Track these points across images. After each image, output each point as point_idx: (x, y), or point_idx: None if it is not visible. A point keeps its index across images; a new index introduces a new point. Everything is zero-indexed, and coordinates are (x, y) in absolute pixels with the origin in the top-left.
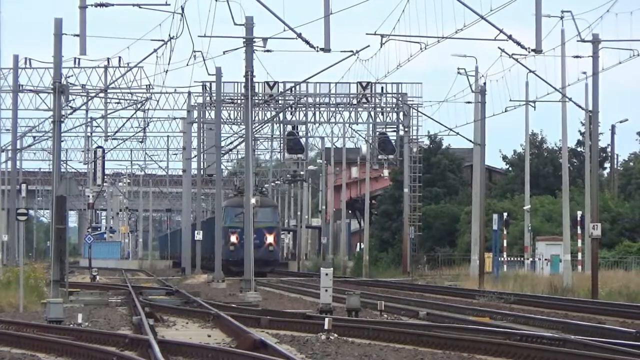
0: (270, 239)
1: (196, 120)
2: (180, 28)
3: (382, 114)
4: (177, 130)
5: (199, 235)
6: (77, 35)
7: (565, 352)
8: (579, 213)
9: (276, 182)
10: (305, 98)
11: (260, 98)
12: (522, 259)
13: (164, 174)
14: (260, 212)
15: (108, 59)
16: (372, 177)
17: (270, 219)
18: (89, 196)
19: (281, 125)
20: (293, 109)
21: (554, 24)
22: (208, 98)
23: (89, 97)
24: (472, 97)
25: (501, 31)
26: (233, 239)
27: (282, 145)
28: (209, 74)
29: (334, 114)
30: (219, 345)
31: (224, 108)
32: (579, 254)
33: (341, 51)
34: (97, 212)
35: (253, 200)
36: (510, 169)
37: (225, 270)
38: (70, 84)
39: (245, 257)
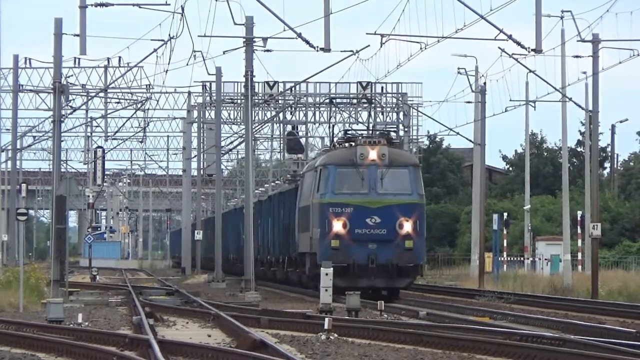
0: (407, 226)
1: (196, 120)
2: (180, 28)
3: (382, 114)
4: (177, 130)
5: (199, 235)
6: (77, 35)
7: (565, 352)
8: (579, 213)
9: (276, 182)
10: (305, 98)
11: (260, 98)
12: (522, 258)
13: (164, 174)
14: (388, 175)
15: (108, 59)
16: None
17: (408, 189)
18: (89, 196)
19: (281, 125)
20: (293, 109)
21: (554, 24)
22: (208, 98)
23: (89, 97)
24: (472, 97)
25: (501, 31)
26: (337, 226)
27: (282, 145)
28: (209, 74)
29: (334, 113)
30: (219, 345)
31: (224, 108)
32: (579, 254)
33: (341, 51)
34: (97, 212)
35: (374, 154)
36: (510, 168)
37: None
38: (70, 83)
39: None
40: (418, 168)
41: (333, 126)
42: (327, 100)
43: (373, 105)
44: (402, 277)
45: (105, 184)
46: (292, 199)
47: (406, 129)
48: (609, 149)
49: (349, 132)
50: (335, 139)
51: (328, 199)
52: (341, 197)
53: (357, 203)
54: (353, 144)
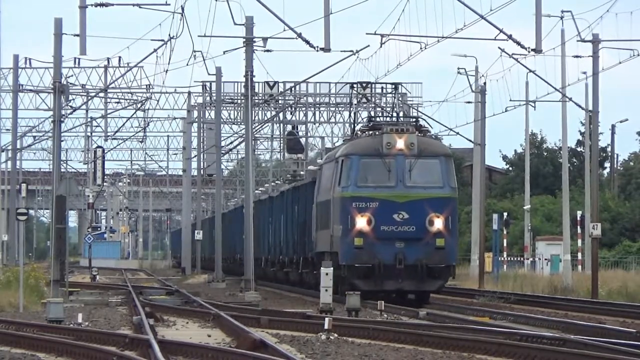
0: (438, 223)
1: (196, 120)
2: (180, 28)
3: (382, 114)
4: (177, 130)
5: (199, 235)
6: (77, 35)
7: (565, 352)
8: (579, 213)
9: (276, 182)
10: (305, 98)
11: (260, 98)
12: (522, 258)
13: (164, 173)
14: (417, 167)
15: (108, 59)
16: None
17: (440, 182)
18: (89, 196)
19: (281, 125)
20: (293, 109)
21: (554, 24)
22: (208, 98)
23: (89, 97)
24: (472, 97)
25: (501, 31)
26: (361, 222)
27: (282, 145)
28: (209, 74)
29: (334, 113)
30: (219, 345)
31: (224, 108)
32: (579, 254)
33: (341, 51)
34: (97, 212)
35: (402, 143)
36: (510, 168)
37: (340, 284)
38: (70, 83)
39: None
40: (450, 158)
41: (355, 113)
42: (327, 100)
43: (372, 105)
44: (433, 279)
45: (105, 184)
46: (309, 193)
47: None
48: (609, 149)
49: (373, 118)
50: (358, 127)
51: (351, 192)
52: (365, 191)
53: (383, 197)
54: (378, 132)
